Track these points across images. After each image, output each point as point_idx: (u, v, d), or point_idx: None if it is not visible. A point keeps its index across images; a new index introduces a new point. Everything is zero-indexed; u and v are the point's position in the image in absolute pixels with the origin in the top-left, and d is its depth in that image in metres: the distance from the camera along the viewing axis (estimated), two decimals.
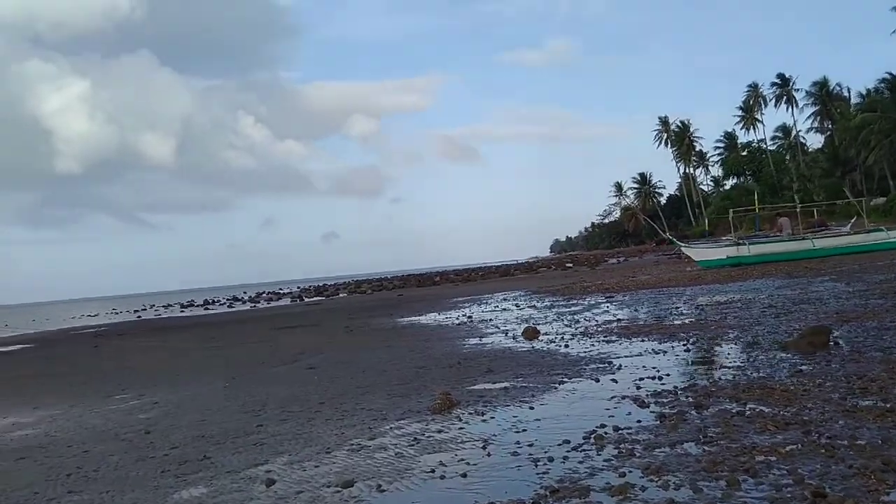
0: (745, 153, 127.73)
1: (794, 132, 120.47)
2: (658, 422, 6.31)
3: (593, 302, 20.35)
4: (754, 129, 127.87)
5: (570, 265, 70.70)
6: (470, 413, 7.38)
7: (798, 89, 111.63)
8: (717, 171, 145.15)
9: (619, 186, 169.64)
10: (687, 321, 13.41)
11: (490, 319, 18.17)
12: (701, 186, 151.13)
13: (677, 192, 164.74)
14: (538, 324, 15.57)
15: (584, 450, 5.65)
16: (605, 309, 17.96)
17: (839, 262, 24.56)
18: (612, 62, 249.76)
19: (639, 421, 6.38)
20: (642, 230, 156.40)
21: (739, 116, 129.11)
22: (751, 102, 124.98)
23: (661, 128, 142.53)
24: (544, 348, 11.82)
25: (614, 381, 8.41)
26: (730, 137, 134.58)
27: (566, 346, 11.82)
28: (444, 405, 7.74)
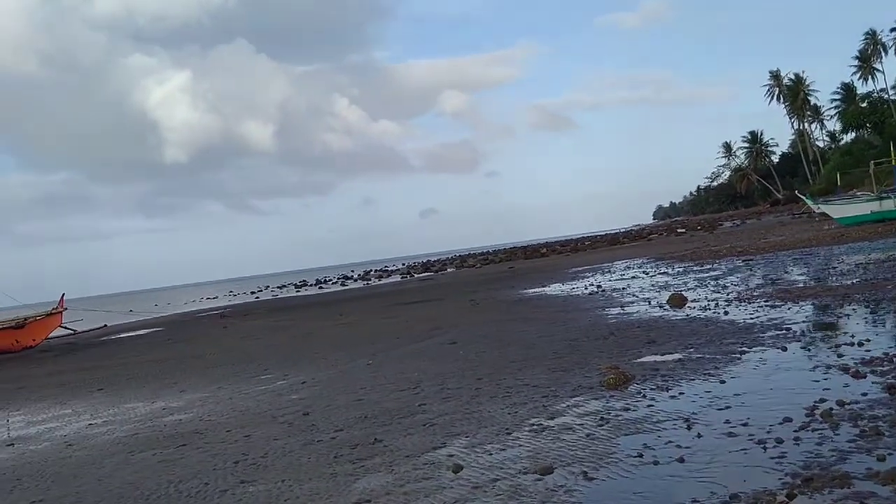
0: (864, 105, 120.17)
1: None
2: (888, 394, 5.46)
3: (732, 266, 19.13)
4: (873, 78, 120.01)
5: (683, 230, 68.29)
6: (652, 388, 6.69)
7: None
8: (832, 125, 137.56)
9: (727, 147, 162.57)
10: (853, 281, 12.23)
11: (623, 288, 17.30)
12: (816, 143, 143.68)
13: (790, 150, 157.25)
14: (679, 291, 14.65)
15: (816, 429, 4.89)
16: (751, 272, 16.80)
17: None
18: (711, 18, 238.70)
19: (864, 394, 5.55)
20: (755, 191, 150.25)
21: (856, 66, 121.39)
22: (869, 51, 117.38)
23: (772, 82, 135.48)
24: (701, 316, 10.95)
25: (805, 349, 7.54)
26: (847, 89, 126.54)
27: (725, 312, 10.91)
28: (618, 380, 7.08)
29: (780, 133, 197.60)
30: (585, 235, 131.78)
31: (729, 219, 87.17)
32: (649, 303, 13.67)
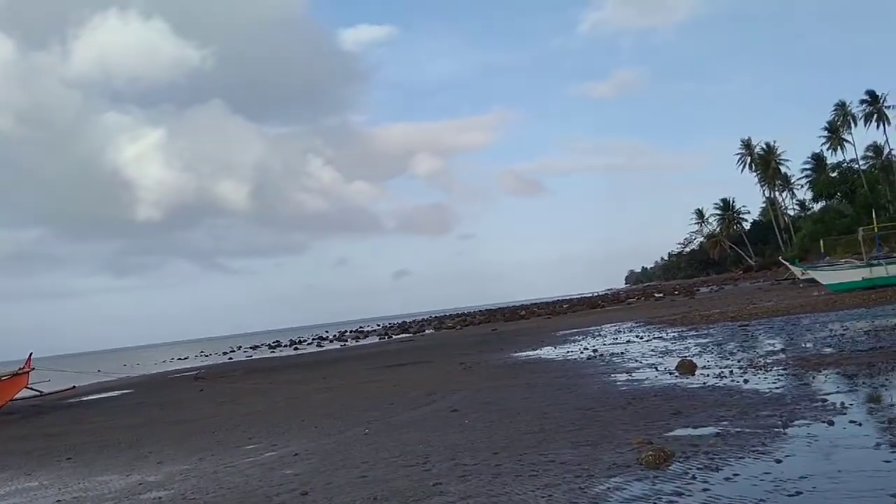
0: (835, 174, 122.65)
1: (886, 151, 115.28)
2: None
3: (729, 332, 18.58)
4: (842, 149, 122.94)
5: (661, 295, 68.31)
6: (699, 468, 5.98)
7: (889, 106, 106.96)
8: (802, 194, 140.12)
9: (700, 213, 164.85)
10: (868, 348, 11.69)
11: (622, 353, 16.64)
12: (787, 211, 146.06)
13: (761, 218, 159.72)
14: (685, 357, 14.04)
15: None
16: (752, 338, 16.26)
17: None
18: (682, 89, 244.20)
19: None
20: (727, 258, 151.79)
21: (825, 137, 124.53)
22: (838, 122, 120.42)
23: (744, 151, 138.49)
24: (719, 384, 10.29)
25: (856, 423, 6.89)
26: (817, 159, 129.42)
27: (744, 381, 10.27)
28: (657, 458, 6.35)
29: (751, 201, 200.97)
30: (560, 298, 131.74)
31: (704, 284, 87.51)
32: (656, 369, 13.01)
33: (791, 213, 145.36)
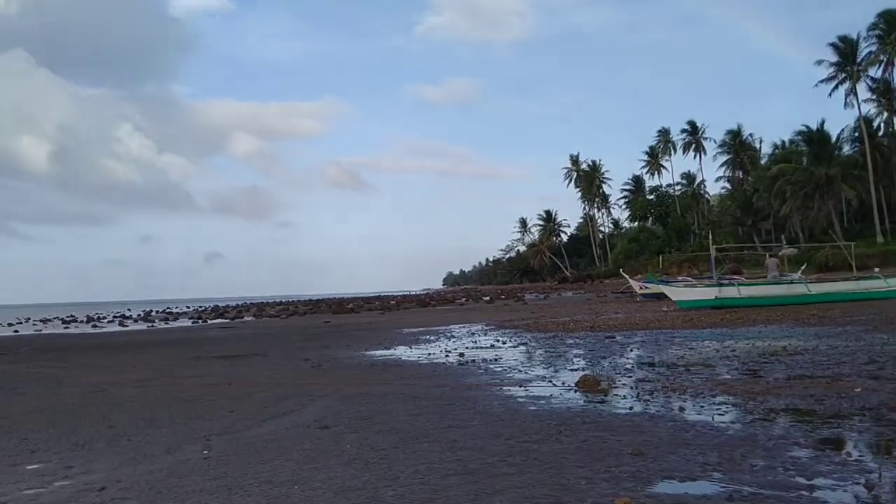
0: (652, 197, 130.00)
1: (699, 179, 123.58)
2: None
3: (600, 343, 17.19)
4: (659, 174, 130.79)
5: (488, 298, 68.35)
6: None
7: (707, 137, 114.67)
8: (619, 213, 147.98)
9: (523, 223, 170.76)
10: (790, 375, 10.40)
11: (495, 359, 14.71)
12: (603, 228, 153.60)
13: (578, 232, 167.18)
14: (576, 369, 12.39)
15: None
16: (633, 352, 14.86)
17: (834, 310, 22.49)
18: (512, 104, 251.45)
19: None
20: (545, 267, 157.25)
21: (645, 161, 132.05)
22: (658, 148, 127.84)
23: (571, 166, 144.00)
24: (650, 411, 8.45)
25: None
26: (637, 181, 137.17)
27: (678, 407, 8.52)
28: None
29: (572, 215, 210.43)
30: (380, 294, 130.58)
31: (526, 291, 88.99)
32: (552, 383, 11.13)
33: (605, 230, 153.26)
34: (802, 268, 35.65)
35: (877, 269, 31.92)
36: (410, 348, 18.46)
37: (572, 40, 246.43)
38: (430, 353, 16.62)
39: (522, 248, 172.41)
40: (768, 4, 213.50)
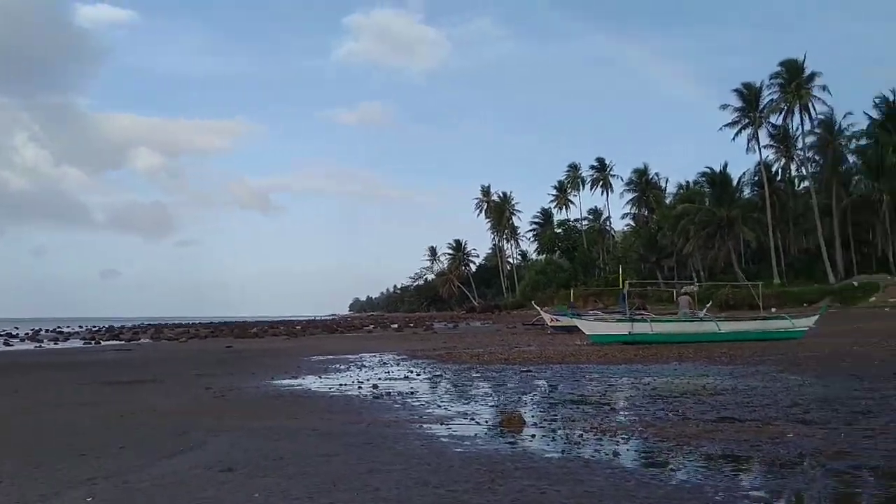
0: (560, 230, 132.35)
1: (605, 215, 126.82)
2: None
3: (517, 377, 16.72)
4: (566, 208, 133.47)
5: (396, 326, 67.63)
6: None
7: (615, 175, 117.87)
8: (528, 245, 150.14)
9: (433, 251, 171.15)
10: (722, 417, 10.12)
11: (411, 392, 14.00)
12: (511, 259, 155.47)
13: (486, 262, 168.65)
14: (488, 404, 11.87)
15: None
16: (553, 388, 14.40)
17: (742, 349, 22.82)
18: (425, 131, 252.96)
19: None
20: (453, 296, 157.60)
21: (554, 195, 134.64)
22: (567, 183, 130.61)
23: (482, 197, 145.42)
24: (586, 455, 7.94)
25: None
26: (546, 214, 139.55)
27: (613, 453, 8.03)
28: None
29: (481, 245, 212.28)
30: (286, 319, 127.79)
31: (434, 320, 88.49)
32: (475, 420, 10.52)
33: (514, 261, 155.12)
34: (707, 305, 36.38)
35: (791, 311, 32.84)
36: (320, 378, 17.53)
37: (486, 73, 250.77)
38: (341, 384, 15.75)
39: (431, 277, 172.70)
40: (678, 49, 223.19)
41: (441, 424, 10.16)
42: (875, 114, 73.83)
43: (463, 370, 18.75)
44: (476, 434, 9.41)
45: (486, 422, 10.40)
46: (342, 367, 20.76)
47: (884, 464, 7.03)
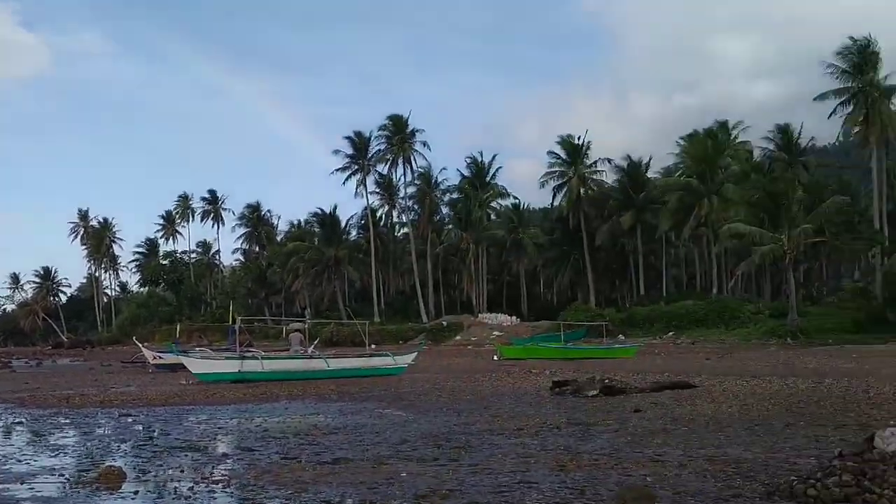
0: (165, 262, 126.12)
1: (214, 248, 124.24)
2: None
3: (116, 423, 15.20)
4: (174, 239, 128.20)
5: None
6: None
7: (226, 209, 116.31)
8: (129, 276, 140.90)
9: (16, 278, 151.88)
10: (337, 458, 10.16)
11: None
12: (108, 290, 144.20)
13: (78, 293, 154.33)
14: (82, 456, 10.59)
15: None
16: (164, 434, 13.29)
17: (349, 385, 23.63)
18: (14, 144, 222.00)
19: None
20: (38, 331, 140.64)
21: (161, 225, 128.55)
22: (177, 213, 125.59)
23: (79, 221, 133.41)
24: None
25: None
26: (152, 244, 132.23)
27: None
28: None
29: (74, 274, 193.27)
30: None
31: (12, 357, 77.75)
32: (65, 476, 9.18)
33: (112, 293, 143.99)
34: (316, 342, 37.28)
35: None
36: None
37: (90, 89, 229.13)
38: None
39: (12, 307, 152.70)
40: (289, 93, 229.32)
41: (22, 483, 8.68)
42: (466, 171, 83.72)
43: (50, 415, 16.52)
44: (67, 494, 8.19)
45: (79, 477, 9.13)
46: None
47: (491, 500, 7.54)
